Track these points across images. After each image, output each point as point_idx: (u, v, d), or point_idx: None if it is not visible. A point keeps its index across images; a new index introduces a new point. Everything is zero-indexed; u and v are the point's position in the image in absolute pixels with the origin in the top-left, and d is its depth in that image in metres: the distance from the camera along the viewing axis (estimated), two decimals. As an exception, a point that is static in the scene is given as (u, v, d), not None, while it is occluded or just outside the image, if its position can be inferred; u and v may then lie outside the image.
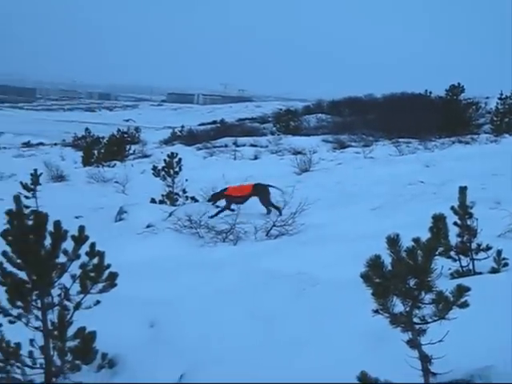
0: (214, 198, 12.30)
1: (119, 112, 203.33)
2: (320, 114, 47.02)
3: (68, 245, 4.30)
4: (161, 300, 5.89)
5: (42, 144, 61.97)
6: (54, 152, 39.25)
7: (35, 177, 15.99)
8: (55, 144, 55.86)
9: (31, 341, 4.37)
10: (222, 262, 7.46)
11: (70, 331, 4.31)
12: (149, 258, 8.25)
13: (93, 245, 4.32)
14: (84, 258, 4.34)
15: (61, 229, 4.18)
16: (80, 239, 4.26)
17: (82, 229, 4.30)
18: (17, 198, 4.22)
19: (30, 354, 4.37)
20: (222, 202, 12.17)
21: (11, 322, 4.35)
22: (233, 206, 11.93)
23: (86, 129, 37.56)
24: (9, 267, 4.29)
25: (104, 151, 28.98)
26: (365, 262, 3.32)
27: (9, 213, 4.19)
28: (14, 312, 4.34)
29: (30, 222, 4.19)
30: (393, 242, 3.29)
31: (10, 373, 4.34)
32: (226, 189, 12.41)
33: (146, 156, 29.87)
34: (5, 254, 4.24)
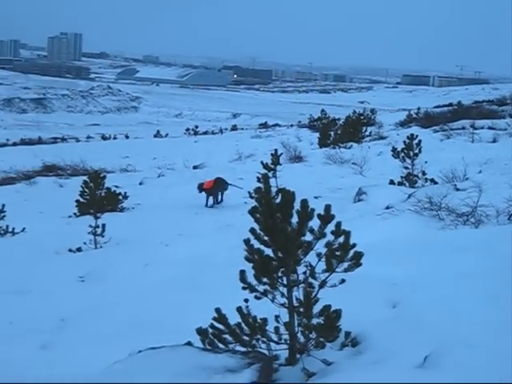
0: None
1: (354, 94, 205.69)
2: None
3: (313, 223, 4.58)
4: (403, 281, 6.03)
5: (277, 125, 64.96)
6: (290, 133, 40.89)
7: (275, 157, 16.89)
8: (291, 125, 58.25)
9: (276, 317, 4.75)
10: (463, 245, 7.36)
11: (315, 309, 4.60)
12: (389, 239, 8.39)
13: (339, 224, 4.57)
14: (329, 237, 4.59)
15: (308, 207, 4.49)
16: (326, 218, 4.53)
17: (328, 208, 4.57)
18: (265, 177, 4.60)
19: (276, 329, 4.75)
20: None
21: (257, 298, 4.77)
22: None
23: (322, 110, 38.73)
24: (256, 244, 4.70)
25: (340, 133, 29.58)
26: None
27: (257, 191, 4.57)
28: (261, 288, 4.75)
29: (277, 201, 4.54)
30: None
31: (255, 347, 4.75)
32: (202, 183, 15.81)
33: (382, 138, 29.94)
34: (253, 231, 4.64)
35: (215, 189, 15.46)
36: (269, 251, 4.70)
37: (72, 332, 6.94)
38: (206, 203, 15.35)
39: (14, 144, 60.09)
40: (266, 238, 4.65)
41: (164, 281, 8.26)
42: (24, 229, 13.00)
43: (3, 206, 13.18)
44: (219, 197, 15.53)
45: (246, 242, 4.72)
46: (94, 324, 7.05)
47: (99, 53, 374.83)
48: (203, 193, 15.35)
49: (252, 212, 4.66)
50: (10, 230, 12.96)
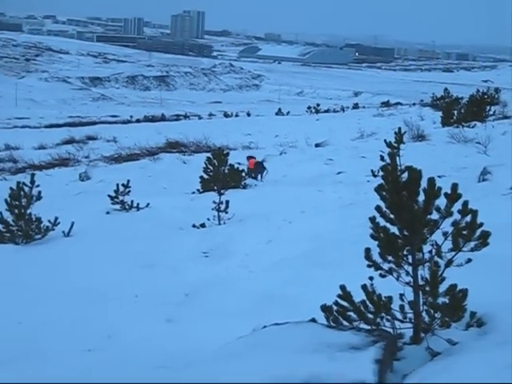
0: None
1: (477, 73, 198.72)
2: None
3: (439, 202, 4.58)
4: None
5: (399, 104, 63.91)
6: (413, 112, 40.14)
7: (399, 135, 16.67)
8: (413, 104, 57.10)
9: (401, 295, 4.80)
10: None
11: (441, 288, 4.62)
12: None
13: (466, 203, 4.55)
14: (456, 216, 4.58)
15: (434, 185, 4.49)
16: (453, 197, 4.52)
17: (455, 186, 4.55)
18: (392, 155, 4.64)
19: (401, 308, 4.80)
20: None
21: (382, 276, 4.84)
22: None
23: (445, 89, 37.81)
24: (382, 222, 4.75)
25: (464, 112, 28.79)
26: None
27: (384, 168, 4.62)
28: (385, 266, 4.80)
29: (403, 179, 4.57)
30: None
31: (379, 325, 4.83)
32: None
33: (506, 117, 28.86)
34: (378, 208, 4.70)
35: (256, 169, 17.53)
36: (394, 229, 4.75)
37: (196, 306, 7.24)
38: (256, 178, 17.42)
39: (138, 121, 62.29)
40: (391, 216, 4.70)
41: (287, 257, 8.44)
42: (148, 204, 13.52)
43: (128, 181, 13.71)
44: (259, 176, 17.44)
45: (372, 219, 4.78)
46: (218, 299, 7.32)
47: (221, 31, 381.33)
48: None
49: (378, 190, 4.72)
50: (135, 205, 13.50)
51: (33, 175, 11.74)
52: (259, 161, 18.25)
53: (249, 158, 18.18)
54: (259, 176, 17.41)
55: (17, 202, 11.26)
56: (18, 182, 11.41)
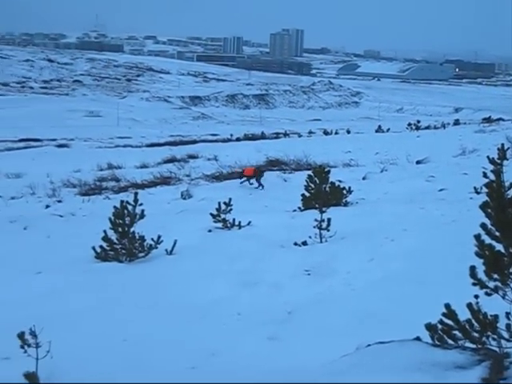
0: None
1: None
2: None
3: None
4: None
5: (501, 119, 62.11)
6: (517, 127, 39.03)
7: (502, 152, 16.33)
8: (518, 119, 55.50)
9: (507, 314, 4.76)
10: None
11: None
12: None
13: None
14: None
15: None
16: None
17: None
18: (497, 171, 4.64)
19: (507, 326, 4.77)
20: None
21: (488, 295, 4.80)
22: None
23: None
24: (487, 239, 4.74)
25: None
26: None
27: (489, 185, 4.63)
28: (491, 284, 4.77)
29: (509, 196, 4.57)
30: None
31: (485, 344, 4.80)
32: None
33: None
34: (484, 226, 4.69)
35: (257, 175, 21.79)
36: (500, 247, 4.73)
37: (299, 324, 7.35)
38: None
39: (238, 139, 63.07)
40: (497, 234, 4.69)
41: (389, 275, 8.46)
42: (250, 222, 13.79)
43: (230, 199, 14.01)
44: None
45: (477, 237, 4.77)
46: (321, 317, 7.41)
47: (320, 48, 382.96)
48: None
49: (483, 207, 4.72)
50: (237, 223, 13.78)
51: (136, 194, 12.16)
52: (257, 168, 23.19)
53: (244, 169, 22.86)
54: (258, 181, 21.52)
55: (121, 221, 11.68)
56: (122, 201, 11.83)
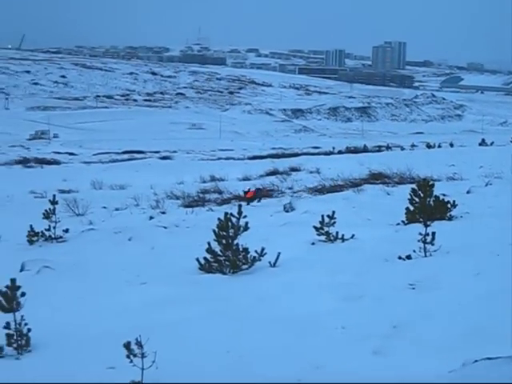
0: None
1: None
2: None
3: None
4: None
5: None
6: None
7: None
8: None
9: None
10: None
11: None
12: None
13: None
14: None
15: None
16: None
17: None
18: None
19: None
20: None
21: None
22: None
23: None
24: None
25: None
26: None
27: None
28: None
29: None
30: None
31: None
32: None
33: None
34: None
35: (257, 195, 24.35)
36: None
37: (404, 339, 7.23)
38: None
39: (340, 152, 63.02)
40: None
41: (496, 290, 8.22)
42: (353, 235, 13.71)
43: (333, 212, 13.99)
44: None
45: None
46: (426, 332, 7.27)
47: (423, 61, 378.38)
48: None
49: None
50: (340, 236, 13.74)
51: (240, 206, 12.32)
52: (258, 188, 25.88)
53: (246, 192, 24.88)
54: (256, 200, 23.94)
55: (224, 233, 11.83)
56: (226, 213, 11.98)
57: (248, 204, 22.59)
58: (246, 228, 11.88)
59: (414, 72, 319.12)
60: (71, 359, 7.47)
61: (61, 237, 17.47)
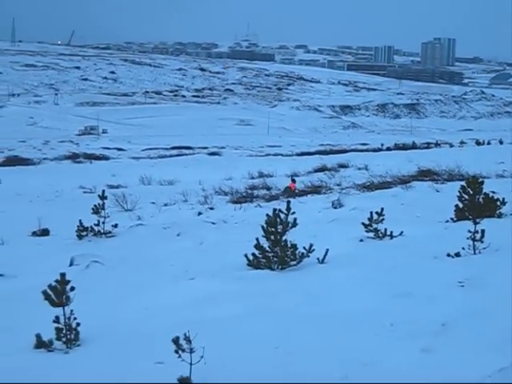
0: None
1: None
2: None
3: None
4: None
5: None
6: None
7: None
8: None
9: None
10: None
11: None
12: None
13: None
14: None
15: None
16: None
17: None
18: None
19: None
20: None
21: None
22: None
23: None
24: None
25: None
26: None
27: None
28: None
29: None
30: None
31: None
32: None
33: None
34: None
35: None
36: None
37: (453, 337, 7.15)
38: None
39: (388, 149, 62.55)
40: None
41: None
42: (402, 232, 13.61)
43: (382, 209, 13.89)
44: None
45: None
46: (475, 330, 7.19)
47: (472, 57, 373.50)
48: None
49: None
50: (389, 233, 13.65)
51: (288, 202, 12.29)
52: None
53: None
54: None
55: (273, 229, 11.82)
56: (274, 209, 11.97)
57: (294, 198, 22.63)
58: (295, 224, 11.85)
59: (463, 69, 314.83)
60: (120, 354, 7.56)
61: (110, 232, 17.75)
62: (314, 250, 11.79)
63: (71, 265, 13.51)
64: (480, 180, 14.54)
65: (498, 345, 6.56)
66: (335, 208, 20.48)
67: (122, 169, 47.28)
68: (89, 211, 17.65)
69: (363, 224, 13.75)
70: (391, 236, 13.56)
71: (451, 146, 68.89)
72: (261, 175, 35.96)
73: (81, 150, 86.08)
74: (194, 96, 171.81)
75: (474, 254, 11.19)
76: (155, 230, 17.96)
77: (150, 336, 8.02)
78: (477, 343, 6.79)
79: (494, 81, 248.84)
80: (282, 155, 65.12)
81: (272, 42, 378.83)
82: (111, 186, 32.32)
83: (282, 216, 11.81)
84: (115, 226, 17.91)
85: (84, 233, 17.53)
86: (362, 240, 13.62)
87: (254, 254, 11.85)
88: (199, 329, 6.50)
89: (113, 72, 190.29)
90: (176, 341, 6.11)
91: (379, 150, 61.33)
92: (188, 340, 6.08)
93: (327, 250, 11.79)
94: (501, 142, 63.91)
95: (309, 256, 11.82)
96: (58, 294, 8.03)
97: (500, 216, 15.28)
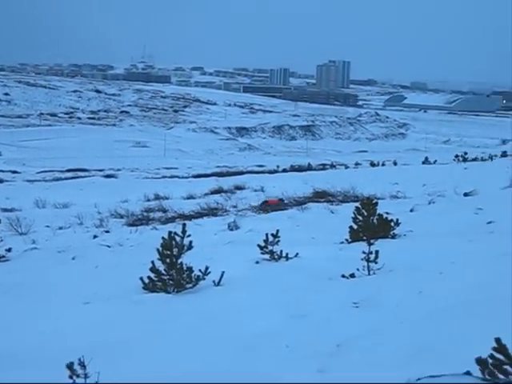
0: None
1: None
2: None
3: None
4: None
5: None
6: None
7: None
8: None
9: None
10: None
11: None
12: None
13: None
14: None
15: None
16: None
17: None
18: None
19: (562, 362, 4.72)
20: None
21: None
22: None
23: None
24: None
25: None
26: None
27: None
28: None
29: None
30: None
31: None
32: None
33: None
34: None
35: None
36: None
37: (348, 357, 7.30)
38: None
39: (284, 170, 63.51)
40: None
41: (438, 308, 8.39)
42: (297, 254, 13.80)
43: (277, 231, 14.07)
44: None
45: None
46: (370, 350, 7.37)
47: (367, 80, 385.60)
48: None
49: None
50: (284, 255, 13.81)
51: (184, 225, 12.29)
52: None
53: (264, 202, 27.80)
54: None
55: (168, 252, 11.79)
56: (170, 232, 11.94)
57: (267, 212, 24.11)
58: (190, 247, 11.89)
59: (358, 91, 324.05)
60: (13, 380, 7.34)
61: (3, 256, 17.29)
62: (209, 272, 11.81)
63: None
64: (374, 201, 15.03)
65: (391, 365, 6.75)
66: (231, 230, 20.59)
67: (17, 192, 46.06)
68: (-19, 235, 17.09)
69: (259, 246, 13.85)
70: (287, 258, 13.71)
71: (346, 167, 70.69)
72: (157, 197, 35.78)
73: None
74: (89, 118, 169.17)
75: (369, 274, 11.46)
76: (50, 254, 17.60)
77: (46, 361, 7.81)
78: (372, 362, 6.96)
79: (388, 103, 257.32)
80: (178, 177, 64.95)
81: (168, 64, 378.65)
82: (5, 210, 31.66)
83: (178, 239, 11.80)
84: (9, 250, 17.47)
85: (-24, 257, 16.98)
86: (257, 262, 13.72)
87: (149, 277, 11.77)
88: (94, 353, 6.41)
89: (7, 94, 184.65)
90: (70, 366, 6.03)
91: (275, 171, 62.12)
92: (83, 365, 6.01)
93: (223, 272, 11.84)
94: (395, 164, 66.16)
95: (204, 279, 11.82)
96: None
97: (394, 237, 15.76)
